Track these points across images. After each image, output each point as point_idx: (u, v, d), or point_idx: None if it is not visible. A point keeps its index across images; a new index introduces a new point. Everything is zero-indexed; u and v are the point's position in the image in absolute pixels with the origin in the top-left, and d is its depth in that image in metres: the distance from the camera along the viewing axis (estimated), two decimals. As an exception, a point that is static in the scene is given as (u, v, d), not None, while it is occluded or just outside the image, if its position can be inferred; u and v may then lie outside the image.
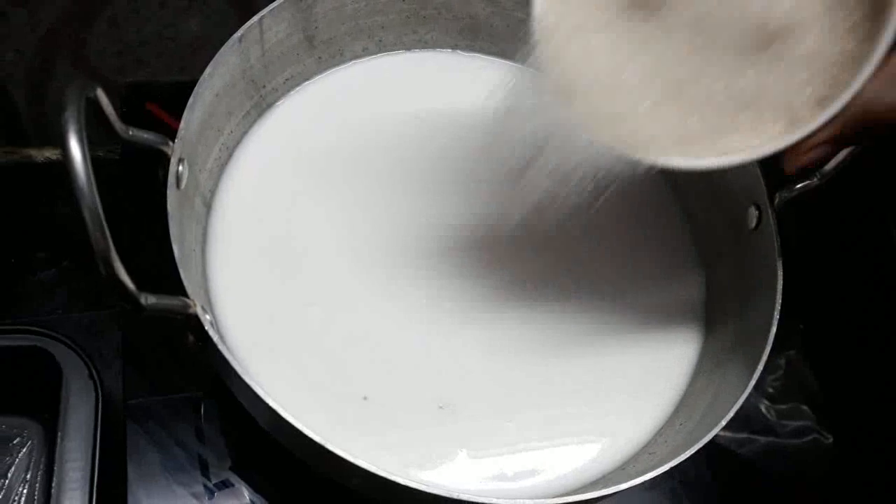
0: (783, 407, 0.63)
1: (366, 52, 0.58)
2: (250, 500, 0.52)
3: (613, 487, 0.38)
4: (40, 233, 0.65)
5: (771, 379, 0.64)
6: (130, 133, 0.39)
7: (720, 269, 0.53)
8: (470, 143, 0.55)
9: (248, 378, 0.36)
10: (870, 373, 0.66)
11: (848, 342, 0.68)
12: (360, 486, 0.39)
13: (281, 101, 0.55)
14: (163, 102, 0.64)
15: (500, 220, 0.53)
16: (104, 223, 0.31)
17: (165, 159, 0.42)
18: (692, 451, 0.39)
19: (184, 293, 0.38)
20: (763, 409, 0.62)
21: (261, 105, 0.53)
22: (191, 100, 0.43)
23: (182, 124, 0.43)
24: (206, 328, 0.37)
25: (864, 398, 0.65)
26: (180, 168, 0.42)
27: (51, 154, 0.71)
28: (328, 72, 0.57)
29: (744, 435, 0.61)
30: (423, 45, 0.59)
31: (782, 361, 0.65)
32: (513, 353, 0.48)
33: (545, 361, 0.48)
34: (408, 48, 0.59)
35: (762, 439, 0.61)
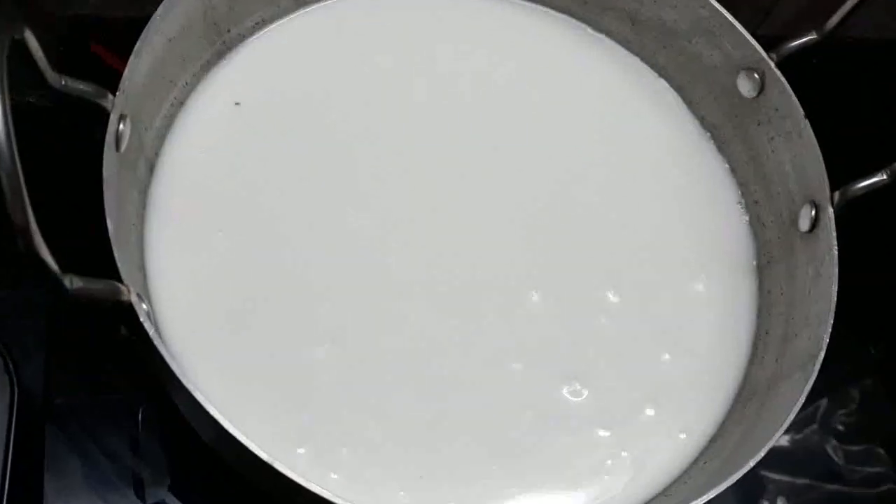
0: (855, 448, 0.63)
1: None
2: (188, 526, 0.53)
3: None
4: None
5: (842, 414, 0.64)
6: (64, 83, 0.40)
7: (769, 280, 0.54)
8: (461, 99, 0.57)
9: (186, 381, 0.38)
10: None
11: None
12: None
13: (244, 45, 0.56)
14: (112, 42, 0.65)
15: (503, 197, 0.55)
16: (24, 192, 0.32)
17: (105, 115, 0.43)
18: (711, 496, 0.40)
19: (117, 276, 0.39)
20: (830, 451, 0.63)
21: (223, 52, 0.54)
22: (137, 45, 0.44)
23: (125, 74, 0.44)
24: (141, 319, 0.39)
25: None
26: (121, 126, 0.43)
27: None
28: (302, 10, 0.58)
29: (804, 481, 0.61)
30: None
31: (856, 393, 0.65)
32: (526, 370, 0.50)
33: (569, 386, 0.50)
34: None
35: (827, 487, 0.62)
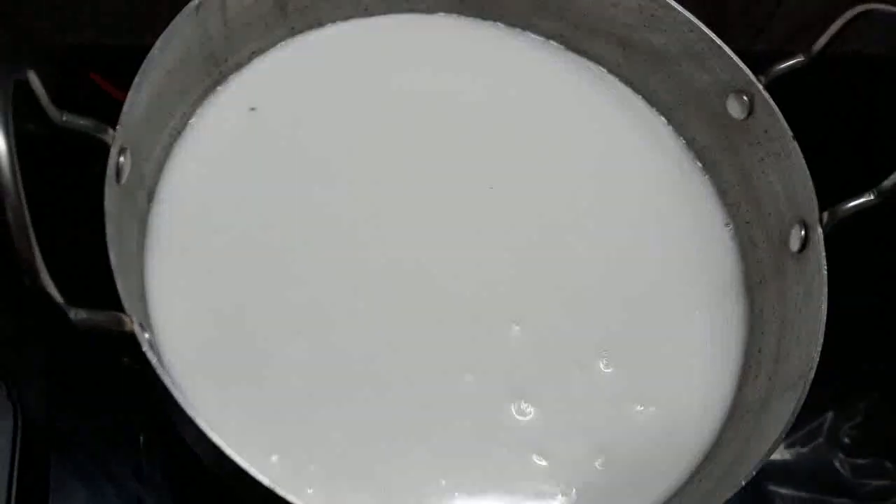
0: (861, 462, 0.65)
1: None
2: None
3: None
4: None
5: (848, 427, 0.66)
6: (65, 119, 0.42)
7: (760, 299, 0.56)
8: (449, 123, 0.59)
9: (189, 408, 0.39)
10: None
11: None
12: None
13: (239, 74, 0.58)
14: (109, 70, 0.67)
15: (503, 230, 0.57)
16: (30, 228, 0.34)
17: (105, 149, 0.45)
18: None
19: (119, 306, 0.41)
20: (837, 464, 0.64)
21: (220, 81, 0.57)
22: (136, 79, 0.46)
23: (125, 108, 0.46)
24: (144, 349, 0.40)
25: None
26: (122, 159, 0.45)
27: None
28: (298, 37, 0.60)
29: (812, 495, 0.63)
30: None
31: (862, 406, 0.67)
32: (513, 392, 0.51)
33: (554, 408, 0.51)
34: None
35: (835, 501, 0.63)
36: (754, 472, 0.43)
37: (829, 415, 0.65)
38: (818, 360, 0.48)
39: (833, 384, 0.60)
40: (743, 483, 0.43)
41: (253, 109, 0.57)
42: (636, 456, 0.51)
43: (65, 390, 0.58)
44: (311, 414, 0.49)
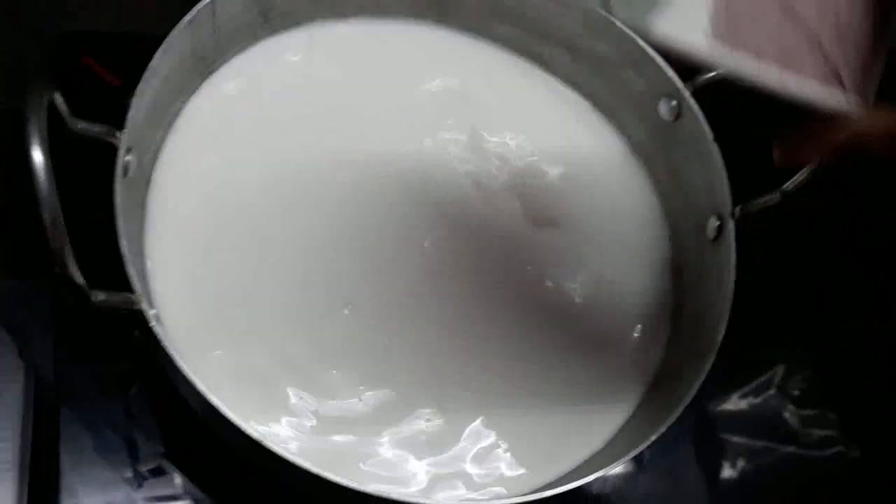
0: (809, 413, 0.70)
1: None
2: (183, 488, 0.61)
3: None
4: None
5: (797, 380, 0.71)
6: (80, 126, 0.49)
7: (684, 280, 0.65)
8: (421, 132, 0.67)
9: (190, 373, 0.47)
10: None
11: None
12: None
13: (223, 67, 0.65)
14: (100, 56, 0.74)
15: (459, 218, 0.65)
16: (64, 229, 0.42)
17: (112, 149, 0.52)
18: (594, 476, 0.51)
19: (129, 288, 0.48)
20: (786, 415, 0.70)
21: (206, 76, 0.64)
22: (139, 88, 0.53)
23: (130, 113, 0.52)
24: (151, 324, 0.48)
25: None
26: (128, 158, 0.52)
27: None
28: (278, 34, 0.67)
29: (758, 442, 0.69)
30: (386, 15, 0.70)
31: (810, 361, 0.72)
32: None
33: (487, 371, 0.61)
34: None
35: (783, 449, 0.69)
36: (655, 438, 0.52)
37: (781, 368, 0.71)
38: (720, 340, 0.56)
39: (785, 342, 0.71)
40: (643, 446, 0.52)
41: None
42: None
43: (69, 346, 0.63)
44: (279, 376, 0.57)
